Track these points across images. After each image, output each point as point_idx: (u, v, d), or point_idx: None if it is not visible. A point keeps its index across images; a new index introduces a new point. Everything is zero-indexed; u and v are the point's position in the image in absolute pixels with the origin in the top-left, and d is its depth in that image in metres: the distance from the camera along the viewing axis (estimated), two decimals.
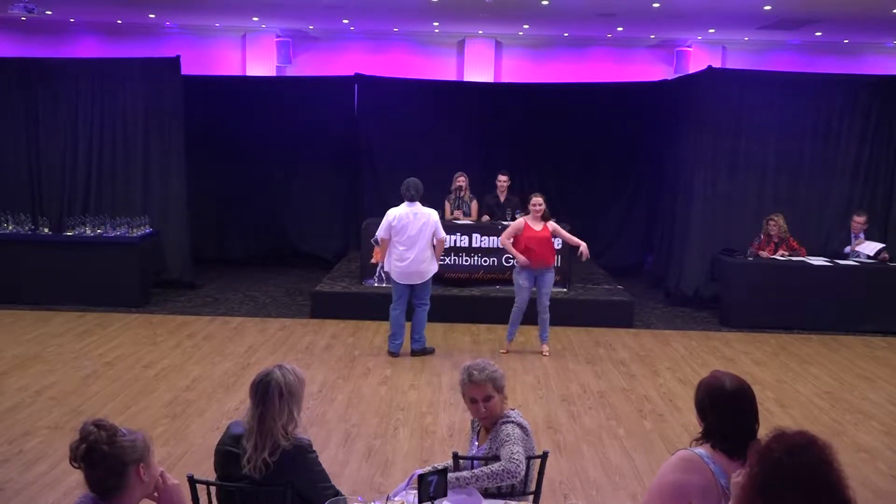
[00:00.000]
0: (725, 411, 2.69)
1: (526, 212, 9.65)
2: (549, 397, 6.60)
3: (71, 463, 2.41)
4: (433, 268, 7.61)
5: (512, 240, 7.73)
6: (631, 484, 5.00)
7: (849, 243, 9.45)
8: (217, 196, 11.80)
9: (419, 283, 7.59)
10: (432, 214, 7.62)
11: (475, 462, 3.42)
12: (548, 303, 7.76)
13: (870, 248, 9.30)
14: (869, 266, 9.16)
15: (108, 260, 9.21)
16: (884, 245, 9.31)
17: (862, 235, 9.41)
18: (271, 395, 3.03)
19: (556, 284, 9.15)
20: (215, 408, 6.10)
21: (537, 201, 7.76)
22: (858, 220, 9.38)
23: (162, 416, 5.91)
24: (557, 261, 9.03)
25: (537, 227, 7.71)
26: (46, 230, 9.50)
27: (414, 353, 7.69)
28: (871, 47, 14.17)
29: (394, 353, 7.65)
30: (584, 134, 11.72)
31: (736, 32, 13.28)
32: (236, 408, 5.99)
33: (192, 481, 3.20)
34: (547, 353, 7.79)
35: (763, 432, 2.74)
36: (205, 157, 11.30)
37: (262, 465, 3.00)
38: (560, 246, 9.17)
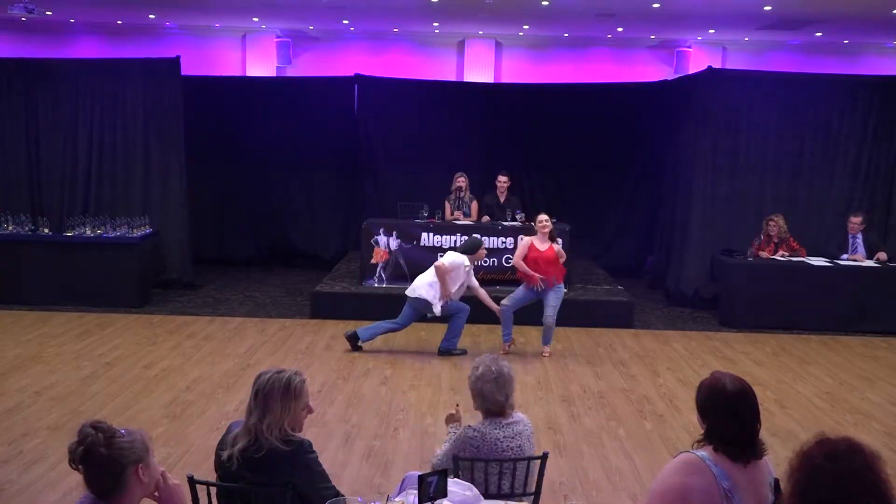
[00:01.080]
0: (726, 413, 2.68)
1: (526, 213, 9.70)
2: (550, 398, 6.60)
3: (70, 465, 2.41)
4: (423, 294, 7.56)
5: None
6: (631, 484, 4.99)
7: (846, 244, 9.43)
8: (217, 196, 11.80)
9: (421, 302, 7.62)
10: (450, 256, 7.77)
11: (474, 464, 3.43)
12: (553, 316, 7.73)
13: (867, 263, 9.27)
14: (868, 267, 9.16)
15: (108, 260, 9.20)
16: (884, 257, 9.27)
17: (860, 237, 9.39)
18: (256, 390, 3.09)
19: None
20: (215, 408, 6.09)
21: (543, 218, 7.74)
22: (855, 220, 9.35)
23: (162, 416, 5.91)
24: None
25: (542, 246, 7.69)
26: (46, 230, 9.49)
27: (440, 353, 7.74)
28: (871, 48, 14.18)
29: (350, 332, 7.74)
30: (584, 134, 11.71)
31: (736, 33, 13.29)
32: (236, 408, 5.99)
33: (192, 482, 3.19)
34: (547, 354, 7.79)
35: (764, 432, 2.75)
36: (205, 157, 11.30)
37: (238, 457, 3.02)
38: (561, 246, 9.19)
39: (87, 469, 2.39)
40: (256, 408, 3.05)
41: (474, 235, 8.35)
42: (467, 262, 7.68)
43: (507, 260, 9.13)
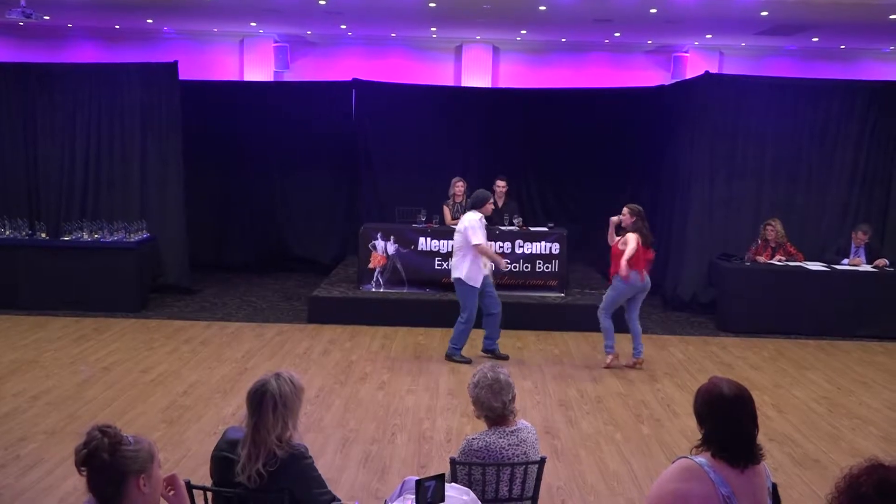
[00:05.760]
0: (724, 418, 2.68)
1: (524, 218, 9.71)
2: (547, 402, 6.60)
3: (75, 465, 2.40)
4: (457, 273, 7.50)
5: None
6: (629, 489, 4.99)
7: (847, 252, 9.43)
8: (215, 201, 11.78)
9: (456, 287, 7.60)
10: (463, 220, 7.55)
11: (471, 469, 3.42)
12: (601, 309, 7.69)
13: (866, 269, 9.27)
14: (865, 272, 9.17)
15: (106, 265, 9.19)
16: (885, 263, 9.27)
17: (863, 248, 9.39)
18: (265, 407, 3.02)
19: (553, 290, 9.19)
20: (212, 413, 6.08)
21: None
22: (863, 236, 9.34)
23: (159, 421, 5.90)
24: (554, 265, 9.00)
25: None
26: (44, 235, 9.49)
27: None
28: (868, 53, 14.23)
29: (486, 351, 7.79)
30: (582, 139, 11.72)
31: (733, 38, 13.32)
32: (233, 413, 5.98)
33: (189, 487, 3.18)
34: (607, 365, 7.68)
35: (761, 437, 2.75)
36: (202, 162, 11.28)
37: (256, 476, 3.00)
38: (558, 251, 9.21)
39: (90, 472, 2.39)
40: (275, 422, 3.03)
41: (481, 189, 7.87)
42: (480, 215, 7.54)
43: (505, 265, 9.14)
